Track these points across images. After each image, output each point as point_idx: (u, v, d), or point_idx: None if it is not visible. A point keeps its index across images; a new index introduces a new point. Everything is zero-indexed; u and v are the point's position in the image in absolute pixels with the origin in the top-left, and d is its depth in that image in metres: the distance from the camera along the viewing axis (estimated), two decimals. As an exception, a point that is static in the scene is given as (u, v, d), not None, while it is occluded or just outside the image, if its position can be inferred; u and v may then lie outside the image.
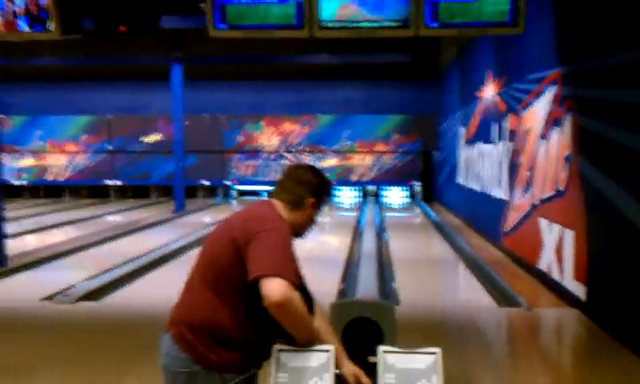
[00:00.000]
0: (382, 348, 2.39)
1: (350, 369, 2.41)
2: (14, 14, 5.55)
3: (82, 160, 21.58)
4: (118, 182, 21.34)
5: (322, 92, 20.79)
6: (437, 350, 2.33)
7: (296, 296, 2.26)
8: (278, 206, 2.55)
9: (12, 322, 6.31)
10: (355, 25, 5.32)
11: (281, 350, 2.39)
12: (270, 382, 2.35)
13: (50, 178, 21.86)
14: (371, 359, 2.45)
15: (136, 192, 21.18)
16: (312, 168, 2.67)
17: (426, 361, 2.31)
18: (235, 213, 2.59)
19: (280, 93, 20.86)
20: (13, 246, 9.47)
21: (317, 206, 2.60)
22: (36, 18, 5.53)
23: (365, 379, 2.40)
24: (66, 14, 5.53)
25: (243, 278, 2.31)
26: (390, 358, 2.35)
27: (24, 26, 5.59)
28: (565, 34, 7.11)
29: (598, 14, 6.06)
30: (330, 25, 5.32)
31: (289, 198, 2.56)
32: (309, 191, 2.57)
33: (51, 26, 5.50)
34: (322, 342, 2.39)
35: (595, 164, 6.06)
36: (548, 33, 7.58)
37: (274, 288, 2.20)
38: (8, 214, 9.74)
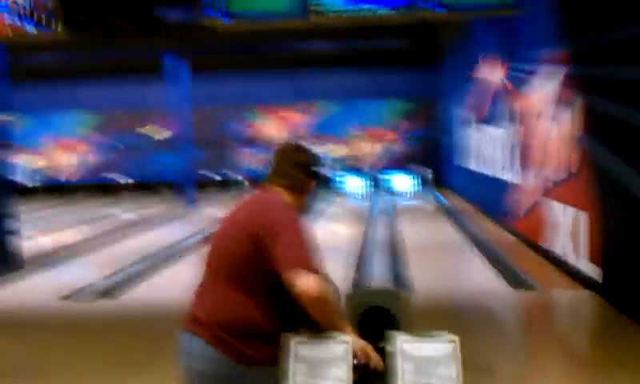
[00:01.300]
0: (399, 336, 2.38)
1: (359, 343, 2.40)
2: (20, 17, 5.56)
3: (92, 158, 21.66)
4: (129, 179, 21.42)
5: (328, 80, 20.71)
6: (455, 337, 2.32)
7: (329, 289, 2.31)
8: (282, 192, 2.54)
9: (29, 321, 6.36)
10: (357, 13, 5.30)
11: (297, 342, 2.38)
12: (288, 374, 2.35)
13: (61, 177, 21.96)
14: (387, 347, 2.45)
15: (146, 188, 21.24)
16: (301, 147, 2.66)
17: (444, 348, 2.31)
18: (241, 205, 2.56)
19: (288, 82, 20.80)
20: (27, 247, 9.53)
21: (315, 186, 2.62)
22: (42, 20, 5.54)
23: (373, 354, 2.39)
24: (71, 13, 5.53)
25: (265, 271, 2.34)
26: (407, 347, 2.34)
27: (30, 28, 5.60)
28: (569, 13, 7.03)
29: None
30: (331, 11, 5.29)
31: (290, 183, 2.55)
32: (307, 173, 2.58)
33: (57, 26, 5.51)
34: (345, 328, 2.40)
35: (606, 144, 6.02)
36: (552, 11, 7.50)
37: (311, 284, 2.24)
38: (21, 215, 9.79)
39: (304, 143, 2.72)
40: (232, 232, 2.46)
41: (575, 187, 6.96)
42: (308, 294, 2.24)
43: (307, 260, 2.29)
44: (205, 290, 2.48)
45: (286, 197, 2.53)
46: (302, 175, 2.57)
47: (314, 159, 2.65)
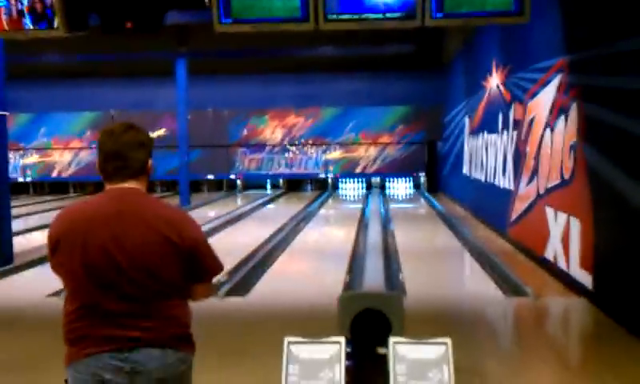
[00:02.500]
0: (392, 339, 2.40)
1: None
2: (19, 12, 5.56)
3: (86, 156, 21.62)
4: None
5: (327, 85, 20.79)
6: (447, 340, 2.34)
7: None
8: (137, 185, 2.41)
9: (18, 318, 6.35)
10: (361, 16, 5.32)
11: (291, 342, 2.39)
12: (281, 375, 2.36)
13: (54, 174, 21.95)
14: (380, 350, 2.46)
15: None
16: (131, 127, 2.43)
17: (436, 351, 2.32)
18: (110, 217, 2.32)
19: (284, 86, 20.87)
20: (19, 243, 9.51)
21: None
22: (41, 16, 5.54)
23: None
24: (71, 10, 5.53)
25: (182, 274, 2.39)
26: (400, 349, 2.36)
27: (29, 24, 5.60)
28: (570, 22, 7.09)
29: (602, 1, 6.04)
30: (335, 17, 5.31)
31: (138, 167, 2.40)
32: (148, 152, 2.44)
33: (56, 23, 5.51)
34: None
35: (601, 152, 6.05)
36: (553, 21, 7.56)
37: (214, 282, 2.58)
38: (13, 210, 9.77)
39: (130, 123, 2.48)
40: (141, 253, 2.30)
41: (569, 194, 7.00)
42: (213, 292, 2.73)
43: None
44: (114, 314, 2.32)
45: (142, 187, 2.43)
46: (144, 156, 2.42)
47: (150, 137, 2.50)
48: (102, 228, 2.30)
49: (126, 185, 2.39)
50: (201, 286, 2.49)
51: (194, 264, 2.39)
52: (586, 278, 6.41)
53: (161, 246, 2.31)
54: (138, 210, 2.35)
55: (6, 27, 5.65)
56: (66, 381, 2.36)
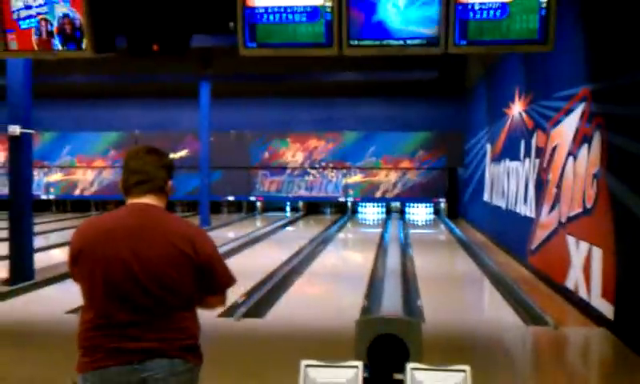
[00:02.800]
0: (410, 365, 2.40)
1: None
2: (49, 33, 5.67)
3: (109, 175, 21.84)
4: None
5: (348, 109, 20.86)
6: (466, 367, 2.33)
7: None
8: (156, 201, 2.54)
9: (38, 334, 6.39)
10: (383, 42, 5.36)
11: (308, 365, 2.40)
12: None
13: (76, 192, 22.18)
14: (397, 376, 2.46)
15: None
16: (155, 150, 2.61)
17: (455, 378, 2.32)
18: (130, 230, 2.45)
19: (306, 110, 20.98)
20: (40, 260, 9.60)
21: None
22: (70, 37, 5.65)
23: None
24: (100, 32, 5.64)
25: (196, 287, 2.50)
26: (418, 375, 2.35)
27: (58, 45, 5.71)
28: (594, 51, 7.08)
29: (628, 31, 6.04)
30: (358, 43, 5.35)
31: (158, 185, 2.55)
32: (169, 174, 2.60)
33: (85, 44, 5.62)
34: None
35: (624, 181, 6.01)
36: (577, 49, 7.55)
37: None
38: (35, 227, 9.88)
39: (152, 146, 2.67)
40: (157, 265, 2.41)
41: (591, 223, 6.94)
42: (225, 302, 2.72)
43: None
44: (133, 322, 2.42)
45: (161, 204, 2.57)
46: (166, 176, 2.58)
47: (171, 159, 2.68)
48: (122, 240, 2.41)
49: (146, 200, 2.52)
50: (213, 298, 2.62)
51: (208, 278, 2.51)
52: (606, 308, 6.34)
53: (177, 259, 2.41)
54: (155, 224, 2.47)
55: (36, 47, 5.77)
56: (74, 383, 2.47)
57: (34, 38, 5.71)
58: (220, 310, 7.38)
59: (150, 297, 2.39)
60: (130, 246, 2.40)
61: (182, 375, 2.43)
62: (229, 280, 2.58)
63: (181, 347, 2.44)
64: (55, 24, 5.64)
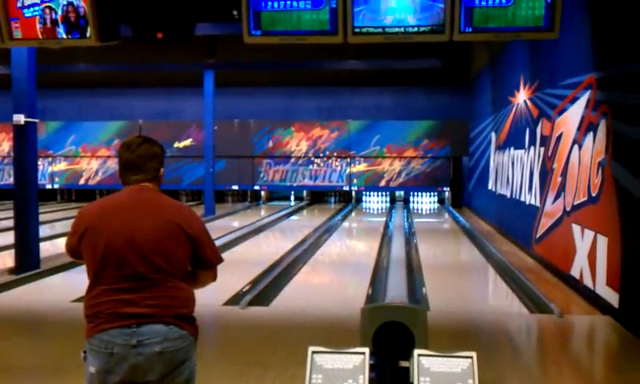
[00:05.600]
0: (416, 351, 2.40)
1: None
2: (53, 21, 5.66)
3: (113, 164, 21.86)
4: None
5: (352, 98, 20.82)
6: (472, 354, 2.33)
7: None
8: (151, 186, 2.77)
9: (43, 323, 6.42)
10: (387, 30, 5.33)
11: (315, 352, 2.40)
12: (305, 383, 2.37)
13: (81, 181, 22.22)
14: (402, 363, 2.46)
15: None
16: (149, 140, 2.84)
17: (461, 365, 2.32)
18: (130, 206, 2.70)
19: (310, 99, 20.94)
20: (45, 249, 9.64)
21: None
22: (74, 25, 5.63)
23: None
24: (104, 21, 5.62)
25: (189, 257, 2.71)
26: (425, 361, 2.35)
27: (62, 33, 5.70)
28: (600, 39, 7.04)
29: (635, 18, 6.00)
30: (363, 30, 5.33)
31: (151, 175, 2.78)
32: (160, 162, 2.81)
33: (89, 33, 5.60)
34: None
35: (630, 169, 5.99)
36: (583, 37, 7.51)
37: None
38: (41, 217, 9.90)
39: (147, 136, 2.89)
40: (148, 231, 2.63)
41: (596, 211, 6.93)
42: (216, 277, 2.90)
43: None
44: (130, 287, 2.62)
45: (156, 189, 2.79)
46: (158, 165, 2.81)
47: (162, 148, 2.88)
48: (121, 214, 2.67)
49: (142, 184, 2.77)
50: (204, 273, 2.82)
51: (198, 252, 2.72)
52: (611, 296, 6.34)
53: (171, 229, 2.65)
54: (152, 200, 2.73)
55: (40, 36, 5.75)
56: (84, 352, 2.68)
57: (38, 26, 5.70)
58: (225, 298, 7.38)
59: (147, 264, 2.59)
60: (129, 218, 2.64)
61: (178, 341, 2.61)
62: (217, 256, 2.80)
63: (176, 315, 2.63)
64: (59, 12, 5.62)
